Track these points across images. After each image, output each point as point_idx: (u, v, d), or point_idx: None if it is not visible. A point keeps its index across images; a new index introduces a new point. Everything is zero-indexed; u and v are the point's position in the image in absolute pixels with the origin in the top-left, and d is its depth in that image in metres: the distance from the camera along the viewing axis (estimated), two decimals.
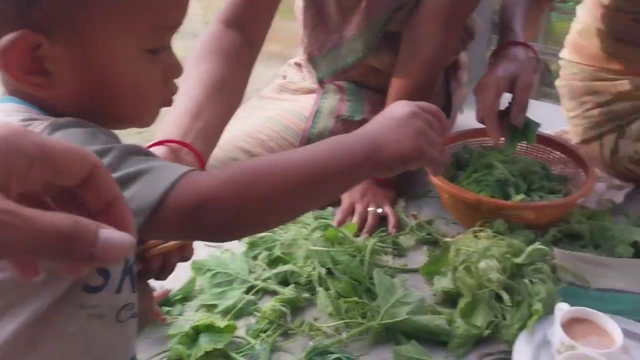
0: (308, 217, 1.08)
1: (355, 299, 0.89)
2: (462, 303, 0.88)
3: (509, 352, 0.82)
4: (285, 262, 0.98)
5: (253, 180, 0.59)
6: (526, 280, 0.89)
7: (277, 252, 1.00)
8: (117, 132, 0.61)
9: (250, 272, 0.98)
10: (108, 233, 0.32)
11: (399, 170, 0.68)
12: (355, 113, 1.29)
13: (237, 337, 0.86)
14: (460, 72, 1.40)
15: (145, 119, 0.65)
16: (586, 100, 1.28)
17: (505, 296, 0.87)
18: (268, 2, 1.08)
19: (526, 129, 1.10)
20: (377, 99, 1.28)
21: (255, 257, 1.00)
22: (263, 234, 1.03)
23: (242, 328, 0.87)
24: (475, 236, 0.97)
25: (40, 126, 0.54)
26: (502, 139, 1.10)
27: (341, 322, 0.87)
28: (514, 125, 1.08)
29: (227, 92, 0.96)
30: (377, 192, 1.17)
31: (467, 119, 1.43)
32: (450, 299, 0.93)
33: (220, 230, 0.59)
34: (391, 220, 1.12)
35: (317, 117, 1.29)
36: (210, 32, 1.05)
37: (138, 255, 0.66)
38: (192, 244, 0.73)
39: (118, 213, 0.37)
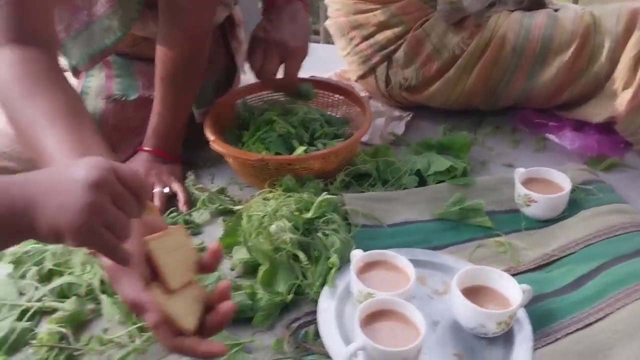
0: None
1: None
2: (260, 272, 0.84)
3: (315, 312, 0.80)
4: (60, 274, 0.86)
5: None
6: (320, 234, 0.86)
7: (48, 264, 0.87)
8: None
9: (21, 293, 0.85)
10: None
11: (56, 244, 0.57)
12: (128, 91, 1.15)
13: None
14: (237, 29, 1.31)
15: None
16: (353, 35, 1.28)
17: (302, 255, 0.84)
18: None
19: (301, 92, 1.16)
20: (152, 71, 1.14)
21: (23, 276, 0.87)
22: (28, 246, 0.89)
23: None
24: (265, 198, 0.93)
25: None
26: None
27: (133, 327, 0.78)
28: None
29: (81, 113, 0.78)
30: (161, 169, 1.08)
31: (250, 79, 1.35)
32: (251, 269, 0.88)
33: None
34: (181, 198, 1.05)
35: (84, 100, 1.13)
36: (9, 60, 0.79)
37: None
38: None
39: None
